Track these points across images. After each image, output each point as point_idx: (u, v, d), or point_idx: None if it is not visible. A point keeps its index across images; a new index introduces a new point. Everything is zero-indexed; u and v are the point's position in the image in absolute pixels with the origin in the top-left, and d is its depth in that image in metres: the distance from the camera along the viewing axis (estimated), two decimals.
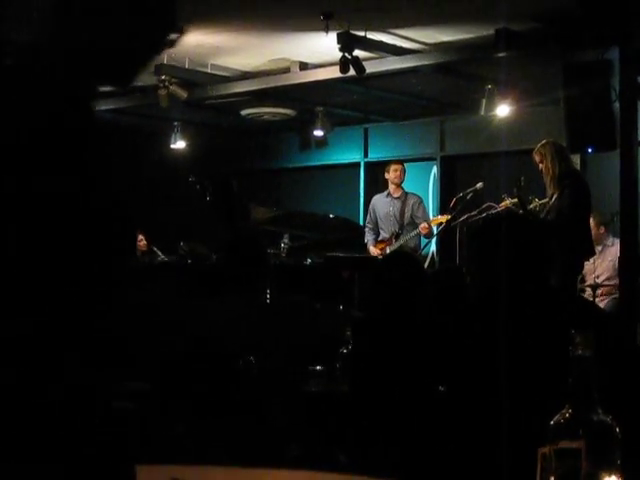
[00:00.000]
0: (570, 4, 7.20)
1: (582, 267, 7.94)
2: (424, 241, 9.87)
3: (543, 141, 7.66)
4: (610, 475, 1.56)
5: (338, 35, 8.14)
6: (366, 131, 12.86)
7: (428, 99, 11.11)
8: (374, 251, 9.65)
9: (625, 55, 7.51)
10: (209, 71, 9.98)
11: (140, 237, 10.89)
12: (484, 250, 3.07)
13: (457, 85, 10.01)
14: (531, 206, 7.78)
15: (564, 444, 1.55)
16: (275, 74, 9.90)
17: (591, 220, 8.31)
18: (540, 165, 7.58)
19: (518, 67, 8.67)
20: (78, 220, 1.71)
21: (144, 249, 10.80)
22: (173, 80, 9.75)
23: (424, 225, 9.37)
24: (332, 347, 4.46)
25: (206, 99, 10.80)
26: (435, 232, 9.71)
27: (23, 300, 1.63)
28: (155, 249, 10.58)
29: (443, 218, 9.80)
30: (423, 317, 4.05)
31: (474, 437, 2.74)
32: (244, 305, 4.17)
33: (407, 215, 9.65)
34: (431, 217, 9.82)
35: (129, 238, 1.96)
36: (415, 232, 9.48)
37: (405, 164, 10.11)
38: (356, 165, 12.95)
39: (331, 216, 10.03)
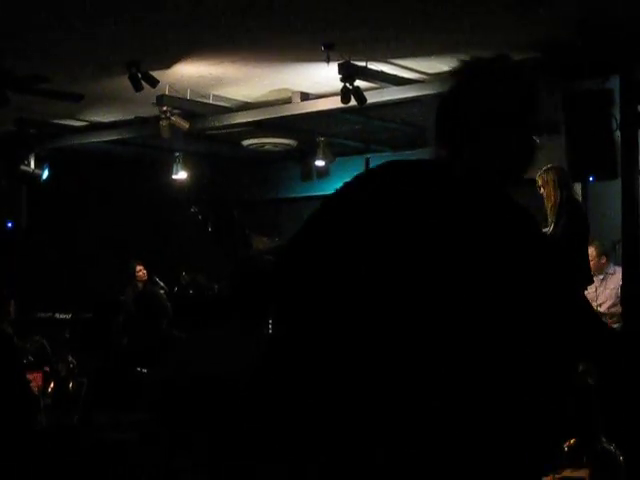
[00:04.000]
0: (570, 33, 7.23)
1: None
2: None
3: (548, 166, 7.61)
4: None
5: (339, 65, 8.16)
6: (367, 161, 12.84)
7: (429, 129, 11.10)
8: None
9: (625, 84, 7.53)
10: (210, 102, 9.98)
11: (140, 267, 10.92)
12: None
13: None
14: None
15: (568, 472, 1.54)
16: (276, 104, 9.92)
17: (592, 250, 8.28)
18: (541, 190, 7.52)
19: None
20: None
21: (144, 279, 10.82)
22: (175, 111, 9.76)
23: None
24: None
25: (207, 130, 10.80)
26: None
27: None
28: (156, 279, 10.59)
29: None
30: None
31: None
32: (247, 336, 4.15)
33: None
34: None
35: None
36: None
37: None
38: None
39: None
